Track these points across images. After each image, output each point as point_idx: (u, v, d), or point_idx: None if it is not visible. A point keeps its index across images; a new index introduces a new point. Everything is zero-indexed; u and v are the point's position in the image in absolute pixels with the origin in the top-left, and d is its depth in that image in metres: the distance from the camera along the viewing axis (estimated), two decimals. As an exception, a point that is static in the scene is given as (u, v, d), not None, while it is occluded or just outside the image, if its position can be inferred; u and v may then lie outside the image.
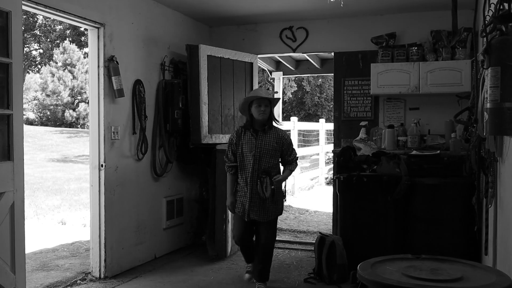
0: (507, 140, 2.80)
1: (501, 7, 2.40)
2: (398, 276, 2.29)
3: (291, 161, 4.38)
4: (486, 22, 2.54)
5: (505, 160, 2.88)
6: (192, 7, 5.62)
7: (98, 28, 4.58)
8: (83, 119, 26.45)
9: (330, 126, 11.39)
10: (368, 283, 2.29)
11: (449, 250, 4.26)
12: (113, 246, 4.72)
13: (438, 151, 4.86)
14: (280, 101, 10.06)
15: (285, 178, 4.36)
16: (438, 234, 4.49)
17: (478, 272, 2.37)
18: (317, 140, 13.40)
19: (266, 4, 5.48)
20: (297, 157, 4.46)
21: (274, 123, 4.39)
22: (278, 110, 9.79)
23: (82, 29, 24.31)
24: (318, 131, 13.34)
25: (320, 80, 22.88)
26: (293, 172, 4.51)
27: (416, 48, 5.43)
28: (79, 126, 26.75)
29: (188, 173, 5.95)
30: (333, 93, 6.16)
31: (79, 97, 26.92)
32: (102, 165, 4.60)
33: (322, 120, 13.91)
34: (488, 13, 2.60)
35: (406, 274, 2.29)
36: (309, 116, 23.56)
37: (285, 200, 4.49)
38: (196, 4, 5.47)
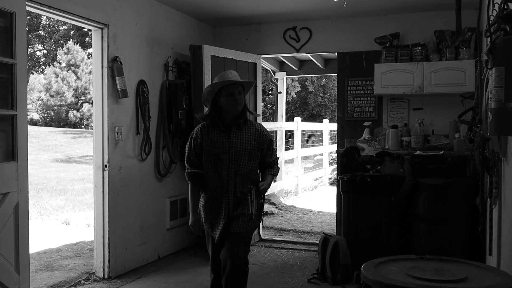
0: (511, 140, 2.79)
1: (506, 7, 2.39)
2: (402, 276, 2.28)
3: (272, 163, 3.43)
4: (490, 22, 2.53)
5: (509, 161, 2.87)
6: (196, 8, 5.63)
7: (102, 28, 4.59)
8: (87, 119, 26.51)
9: (334, 126, 11.39)
10: (372, 283, 2.28)
11: (452, 251, 4.25)
12: (117, 246, 4.73)
13: (442, 151, 4.84)
14: (284, 100, 10.09)
15: (269, 186, 3.41)
16: (442, 235, 4.47)
17: (483, 273, 2.36)
18: (321, 141, 13.39)
19: (269, 4, 5.48)
20: (278, 157, 3.57)
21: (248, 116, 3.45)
22: (281, 110, 9.81)
23: (86, 29, 24.36)
24: (321, 131, 13.33)
25: (323, 80, 22.83)
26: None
27: (419, 48, 5.42)
28: (83, 126, 26.82)
29: (192, 174, 5.95)
30: (336, 93, 6.15)
31: (83, 98, 26.99)
32: (106, 166, 4.61)
33: (325, 121, 13.90)
34: (492, 13, 2.60)
35: (410, 274, 2.29)
36: (313, 116, 23.51)
37: (263, 213, 3.52)
38: (199, 4, 5.48)
